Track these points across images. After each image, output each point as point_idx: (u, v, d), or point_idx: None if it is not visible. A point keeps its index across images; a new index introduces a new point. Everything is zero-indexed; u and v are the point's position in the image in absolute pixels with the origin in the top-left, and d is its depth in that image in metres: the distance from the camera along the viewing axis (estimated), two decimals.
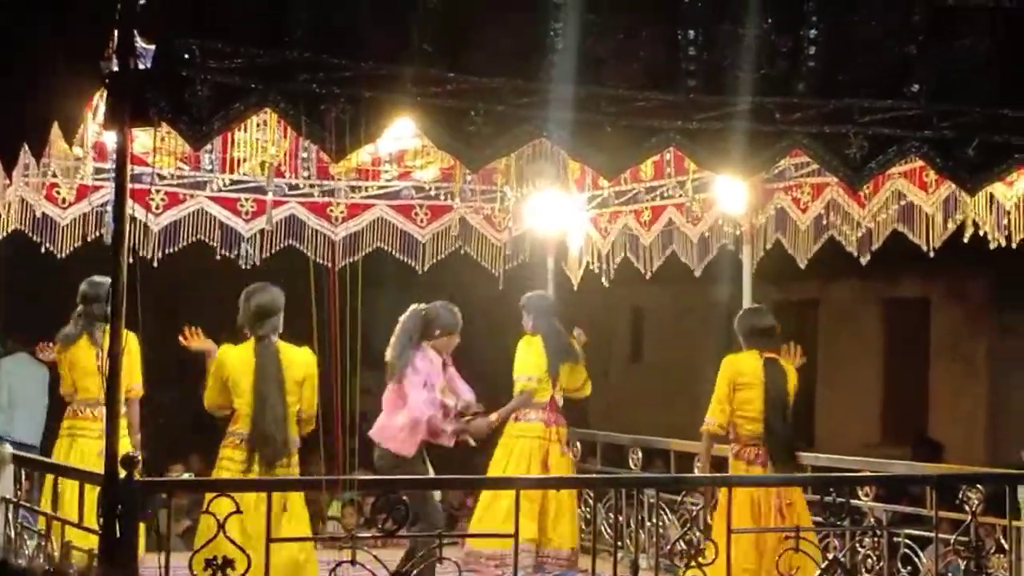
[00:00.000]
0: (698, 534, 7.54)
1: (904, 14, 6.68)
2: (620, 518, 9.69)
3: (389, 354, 9.13)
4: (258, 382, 8.24)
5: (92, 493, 6.38)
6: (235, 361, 8.31)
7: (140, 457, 6.04)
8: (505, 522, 7.97)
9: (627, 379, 19.13)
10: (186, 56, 5.75)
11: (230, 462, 8.24)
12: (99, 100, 6.17)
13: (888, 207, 8.43)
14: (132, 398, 8.71)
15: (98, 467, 6.14)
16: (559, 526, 9.80)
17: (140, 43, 5.72)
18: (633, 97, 6.51)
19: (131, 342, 7.08)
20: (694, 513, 7.49)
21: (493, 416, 9.85)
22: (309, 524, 8.41)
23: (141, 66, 5.72)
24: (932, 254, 8.25)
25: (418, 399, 8.96)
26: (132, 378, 8.11)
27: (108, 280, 8.96)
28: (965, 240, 8.00)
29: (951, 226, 8.06)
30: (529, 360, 10.06)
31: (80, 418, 9.05)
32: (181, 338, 8.61)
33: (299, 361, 8.30)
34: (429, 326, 9.17)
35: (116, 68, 5.73)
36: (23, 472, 7.98)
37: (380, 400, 9.12)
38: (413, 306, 9.25)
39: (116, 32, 5.72)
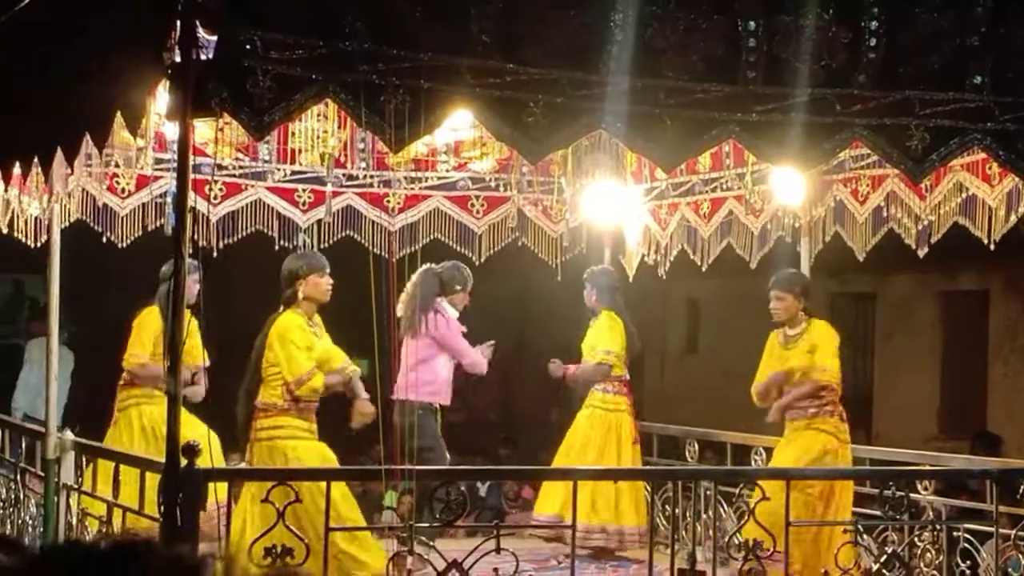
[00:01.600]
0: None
1: (966, 5, 6.63)
2: (676, 510, 9.67)
3: (405, 309, 9.51)
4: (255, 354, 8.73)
5: (153, 479, 6.45)
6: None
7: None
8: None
9: (682, 371, 19.09)
10: (247, 47, 5.78)
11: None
12: (161, 90, 6.22)
13: (950, 200, 8.37)
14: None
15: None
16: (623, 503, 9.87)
17: (202, 34, 5.77)
18: (692, 89, 6.49)
19: (191, 327, 7.14)
20: (752, 506, 7.45)
21: (572, 370, 10.30)
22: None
23: (203, 57, 5.76)
24: (992, 247, 8.17)
25: (470, 349, 9.76)
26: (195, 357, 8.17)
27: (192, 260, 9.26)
28: None
29: (1013, 219, 7.99)
30: (613, 336, 10.20)
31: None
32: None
33: (270, 331, 8.60)
34: (447, 284, 9.86)
35: (178, 59, 5.78)
36: (84, 459, 8.07)
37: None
38: (425, 267, 9.58)
39: (178, 23, 5.76)
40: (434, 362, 9.70)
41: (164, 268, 9.17)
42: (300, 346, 8.53)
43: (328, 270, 8.78)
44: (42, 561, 1.46)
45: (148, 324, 9.19)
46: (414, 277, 9.75)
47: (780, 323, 9.20)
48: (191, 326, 6.27)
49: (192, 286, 7.35)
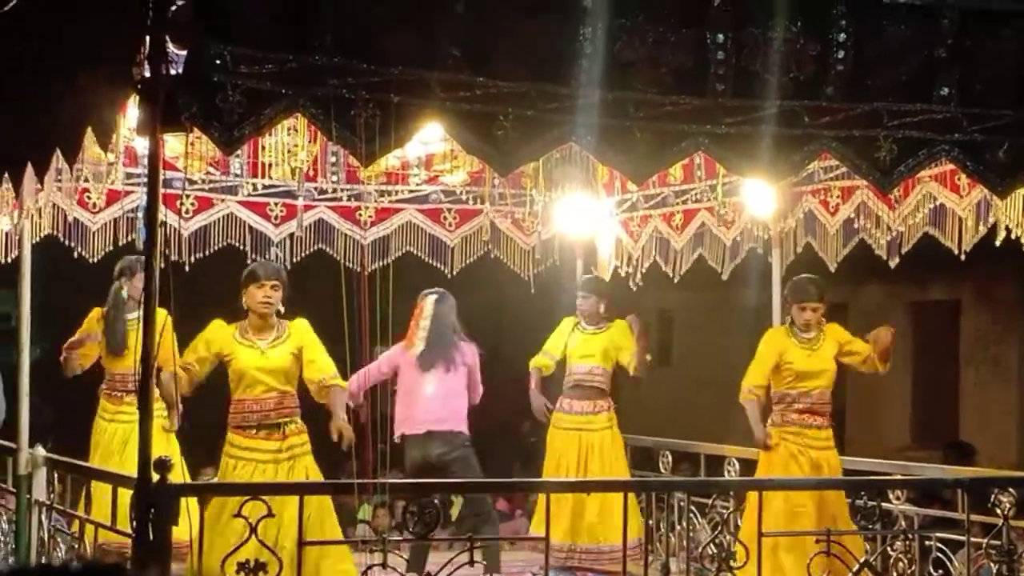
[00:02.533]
0: (728, 537, 7.54)
1: (933, 18, 6.66)
2: (650, 521, 9.69)
3: (427, 340, 9.27)
4: None
5: (125, 496, 6.42)
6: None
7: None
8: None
9: (655, 382, 19.11)
10: (217, 62, 5.78)
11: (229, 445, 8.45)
12: (131, 105, 6.22)
13: (919, 210, 8.42)
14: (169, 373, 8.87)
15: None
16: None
17: (172, 48, 5.76)
18: (662, 101, 6.51)
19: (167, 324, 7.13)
20: (725, 516, 7.47)
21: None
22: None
23: (173, 71, 5.76)
24: (963, 257, 8.22)
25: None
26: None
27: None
28: (997, 244, 7.98)
29: (983, 229, 8.04)
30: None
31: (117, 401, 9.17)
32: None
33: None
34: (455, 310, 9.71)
35: (148, 73, 5.77)
36: (56, 475, 8.05)
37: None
38: (435, 293, 9.47)
39: (148, 38, 5.75)
40: (466, 392, 9.67)
41: (119, 265, 9.23)
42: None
43: (266, 281, 8.63)
44: None
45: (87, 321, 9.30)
46: (428, 307, 9.60)
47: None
48: (166, 325, 6.26)
49: (136, 285, 7.61)
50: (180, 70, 5.76)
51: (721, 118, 6.53)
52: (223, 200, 10.16)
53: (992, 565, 7.50)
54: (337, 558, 8.16)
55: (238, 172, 10.14)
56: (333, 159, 10.18)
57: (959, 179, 8.03)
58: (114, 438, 9.37)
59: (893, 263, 8.82)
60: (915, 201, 8.48)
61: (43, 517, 7.95)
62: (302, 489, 7.28)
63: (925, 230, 8.49)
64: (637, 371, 10.05)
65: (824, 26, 6.54)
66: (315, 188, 10.35)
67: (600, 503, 9.65)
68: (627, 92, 6.46)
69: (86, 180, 9.14)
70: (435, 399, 9.39)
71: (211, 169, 9.96)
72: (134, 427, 9.04)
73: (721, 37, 6.45)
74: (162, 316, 6.10)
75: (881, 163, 6.67)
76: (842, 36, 6.53)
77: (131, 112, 6.34)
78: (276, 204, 10.30)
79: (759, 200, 9.36)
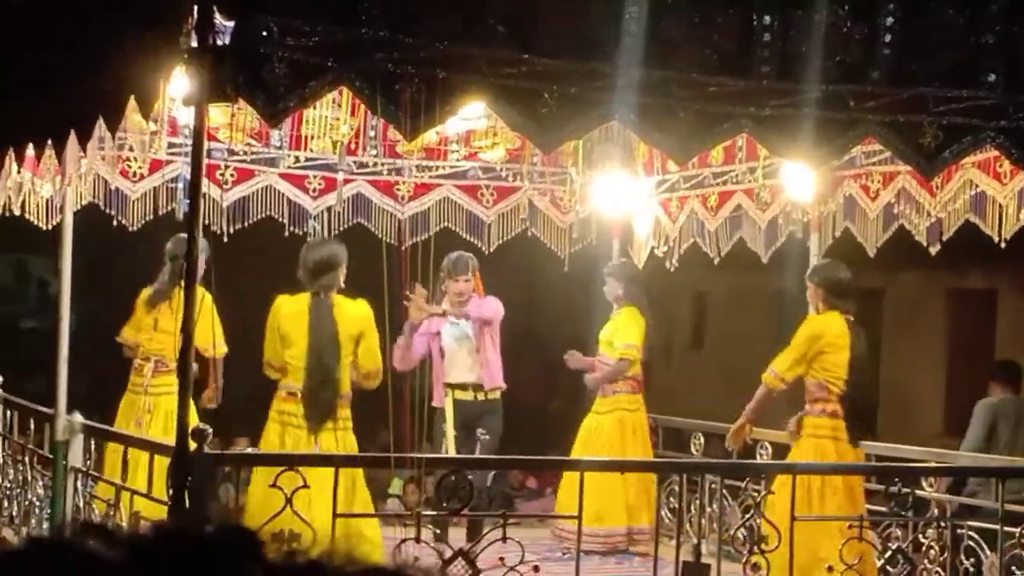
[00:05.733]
0: (759, 520, 7.54)
1: (981, 3, 6.63)
2: (681, 504, 9.68)
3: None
4: (312, 338, 8.33)
5: (162, 463, 6.47)
6: (288, 314, 8.41)
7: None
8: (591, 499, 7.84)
9: (688, 364, 19.09)
10: (264, 33, 5.79)
11: (280, 415, 8.34)
12: (175, 75, 6.23)
13: (959, 197, 8.37)
14: (217, 357, 8.89)
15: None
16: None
17: (219, 19, 5.78)
18: (706, 82, 6.51)
19: (206, 302, 7.13)
20: (758, 500, 7.47)
21: (595, 366, 10.14)
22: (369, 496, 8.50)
23: (219, 42, 5.77)
24: (1003, 245, 8.17)
25: None
26: (209, 338, 8.08)
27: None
28: None
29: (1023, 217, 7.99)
30: (636, 331, 10.16)
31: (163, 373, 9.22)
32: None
33: (354, 316, 8.39)
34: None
35: (195, 44, 5.79)
36: (93, 442, 8.10)
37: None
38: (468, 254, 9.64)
39: (195, 8, 5.77)
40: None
41: (169, 246, 9.23)
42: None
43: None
44: (147, 553, 1.35)
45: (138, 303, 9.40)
46: (474, 263, 9.76)
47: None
48: (205, 304, 6.28)
49: (201, 265, 7.49)
50: (227, 41, 5.78)
51: (765, 100, 6.51)
52: (263, 172, 10.18)
53: None
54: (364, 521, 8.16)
55: (278, 144, 10.15)
56: (372, 133, 10.19)
57: (1001, 166, 7.98)
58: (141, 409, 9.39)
59: (934, 250, 8.76)
60: (956, 187, 8.43)
61: (79, 484, 8.01)
62: (338, 462, 7.30)
63: (966, 217, 8.43)
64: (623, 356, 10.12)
65: (871, 10, 6.52)
66: (354, 162, 10.36)
67: (611, 484, 9.64)
68: (671, 72, 6.45)
69: (130, 149, 9.17)
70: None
71: (251, 141, 9.97)
72: (158, 399, 9.14)
73: (767, 19, 6.44)
74: (201, 294, 6.12)
75: (926, 149, 6.64)
76: (889, 20, 6.50)
77: (175, 82, 6.36)
78: (315, 177, 10.31)
79: (798, 183, 9.31)
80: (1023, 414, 10.70)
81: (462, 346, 9.66)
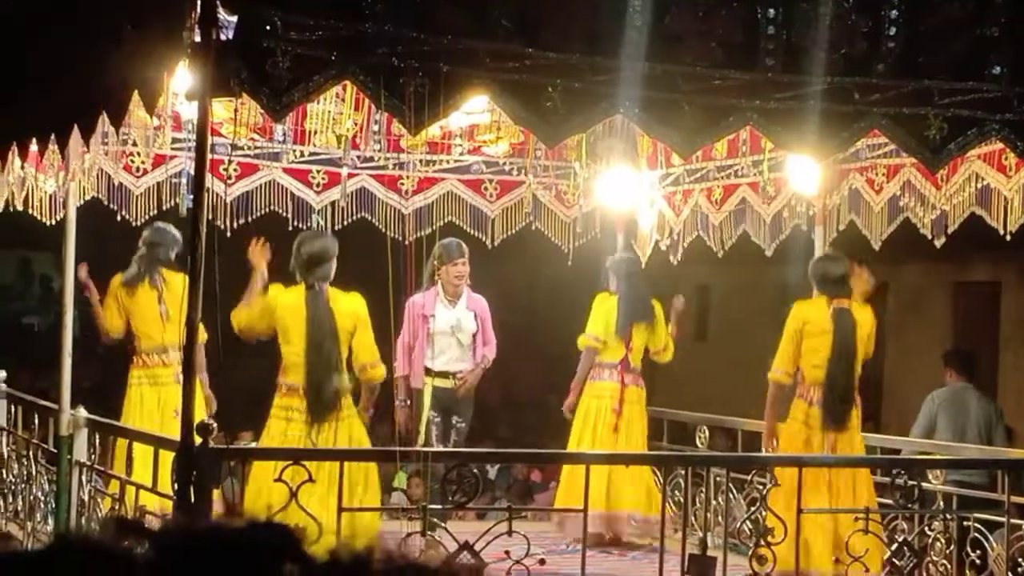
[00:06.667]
0: (764, 513, 7.53)
1: None
2: (687, 496, 9.66)
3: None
4: (312, 331, 8.32)
5: (167, 457, 6.47)
6: (286, 307, 8.39)
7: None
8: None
9: (692, 358, 19.06)
10: (268, 27, 5.79)
11: (282, 410, 8.32)
12: (179, 69, 6.23)
13: (965, 190, 8.35)
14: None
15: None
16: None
17: (222, 14, 5.77)
18: (711, 75, 6.50)
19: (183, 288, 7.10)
20: (764, 492, 7.46)
21: (573, 384, 10.11)
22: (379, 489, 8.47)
23: (223, 37, 5.77)
24: (1008, 238, 8.15)
25: None
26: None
27: (171, 227, 9.20)
28: None
29: None
30: (597, 319, 10.13)
31: (150, 366, 9.16)
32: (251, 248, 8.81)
33: (349, 309, 8.40)
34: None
35: (198, 38, 5.78)
36: (97, 436, 8.10)
37: None
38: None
39: (199, 2, 5.76)
40: None
41: (146, 233, 9.24)
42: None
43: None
44: (178, 551, 1.30)
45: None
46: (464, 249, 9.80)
47: None
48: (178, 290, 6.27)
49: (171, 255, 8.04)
50: (230, 35, 5.77)
51: (770, 93, 6.50)
52: (266, 166, 10.17)
53: None
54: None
55: (281, 139, 10.14)
56: (376, 127, 10.17)
57: (1006, 159, 7.96)
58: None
59: (939, 243, 8.74)
60: (961, 180, 8.41)
61: (84, 478, 8.01)
62: (342, 456, 7.30)
63: (971, 210, 8.42)
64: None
65: (876, 2, 6.51)
66: (358, 156, 10.35)
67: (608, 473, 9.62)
68: (676, 65, 6.44)
69: (133, 144, 9.16)
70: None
71: (255, 135, 9.96)
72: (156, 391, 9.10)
73: (772, 12, 6.43)
74: (181, 279, 6.12)
75: (931, 142, 6.63)
76: (894, 13, 6.50)
77: (178, 76, 6.35)
78: (318, 172, 10.30)
79: (803, 176, 9.30)
80: (966, 402, 10.82)
81: (456, 335, 9.66)
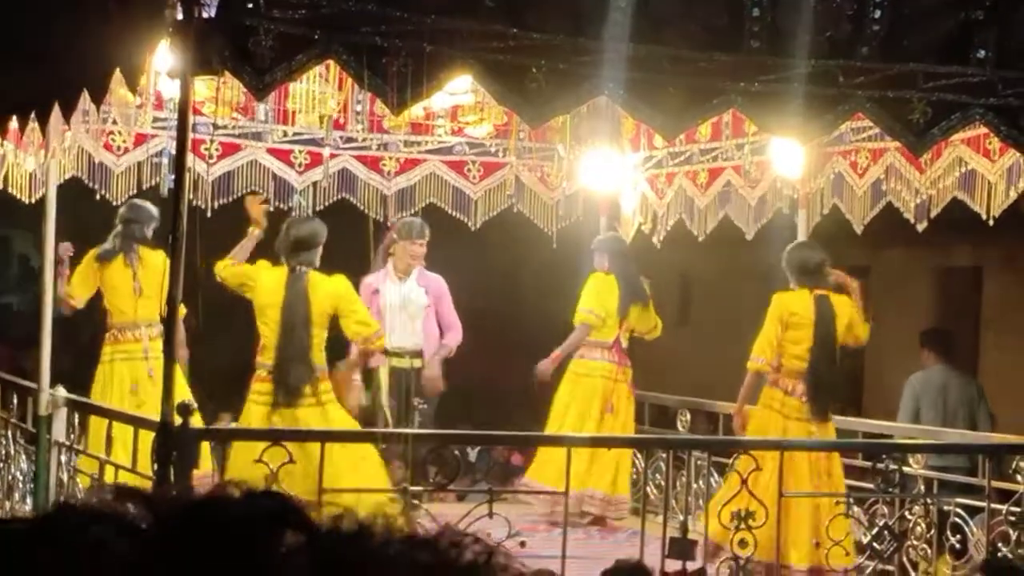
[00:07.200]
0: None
1: None
2: (668, 479, 9.67)
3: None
4: (285, 316, 8.31)
5: (147, 437, 6.44)
6: (266, 286, 8.39)
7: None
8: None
9: (674, 342, 19.06)
10: (250, 5, 5.76)
11: (257, 395, 8.32)
12: (161, 48, 6.18)
13: (948, 174, 8.34)
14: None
15: (148, 387, 6.14)
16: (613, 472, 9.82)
17: None
18: (695, 57, 6.48)
19: (162, 262, 7.04)
20: (744, 476, 7.46)
21: (556, 352, 10.04)
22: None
23: (205, 15, 5.73)
24: (991, 223, 8.15)
25: None
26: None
27: (148, 204, 9.15)
28: None
29: (1013, 194, 7.97)
30: (598, 296, 10.08)
31: (121, 342, 9.10)
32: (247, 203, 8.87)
33: (328, 292, 8.40)
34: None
35: (180, 16, 5.74)
36: (76, 416, 8.06)
37: None
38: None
39: None
40: None
41: (122, 210, 9.18)
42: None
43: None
44: (178, 518, 1.26)
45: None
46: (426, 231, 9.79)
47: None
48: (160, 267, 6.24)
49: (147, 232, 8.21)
50: (213, 13, 5.73)
51: (754, 76, 6.49)
52: (248, 146, 10.12)
53: (1012, 532, 7.49)
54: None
55: (263, 119, 10.09)
56: (359, 108, 10.13)
57: (990, 143, 7.96)
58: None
59: (921, 227, 8.74)
60: (945, 165, 8.40)
61: (62, 457, 7.97)
62: (324, 437, 7.27)
63: (954, 194, 8.41)
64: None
65: None
66: (340, 137, 10.30)
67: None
68: (660, 47, 6.43)
69: (114, 122, 9.10)
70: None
71: (237, 115, 9.91)
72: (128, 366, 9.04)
73: None
74: (162, 259, 6.08)
75: (915, 125, 6.62)
76: None
77: (160, 55, 6.31)
78: (300, 152, 10.25)
79: (787, 160, 9.28)
80: (947, 386, 10.80)
81: (405, 308, 9.64)
